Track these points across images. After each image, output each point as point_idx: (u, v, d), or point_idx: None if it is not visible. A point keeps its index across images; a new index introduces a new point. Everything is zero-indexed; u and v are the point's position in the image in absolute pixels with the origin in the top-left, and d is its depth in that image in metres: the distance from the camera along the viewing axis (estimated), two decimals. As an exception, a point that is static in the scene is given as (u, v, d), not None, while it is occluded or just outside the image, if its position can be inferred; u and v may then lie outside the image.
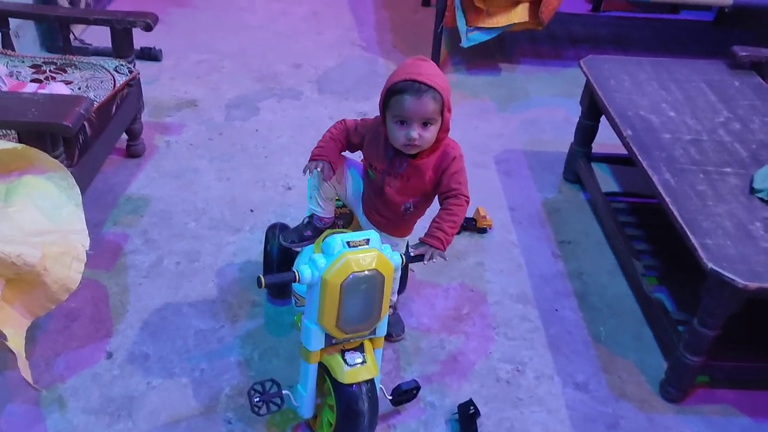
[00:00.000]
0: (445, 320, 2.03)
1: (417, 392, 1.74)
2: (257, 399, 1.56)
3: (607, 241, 2.40)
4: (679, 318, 1.94)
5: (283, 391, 1.58)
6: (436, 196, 1.69)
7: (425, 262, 1.57)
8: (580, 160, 2.63)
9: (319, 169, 1.64)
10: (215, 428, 1.65)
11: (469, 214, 2.40)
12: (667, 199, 1.83)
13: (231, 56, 3.45)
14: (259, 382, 1.58)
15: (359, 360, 1.51)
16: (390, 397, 1.70)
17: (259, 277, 1.39)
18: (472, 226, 2.39)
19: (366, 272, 1.40)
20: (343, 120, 1.72)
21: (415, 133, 1.52)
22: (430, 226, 1.61)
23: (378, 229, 1.73)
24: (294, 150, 2.73)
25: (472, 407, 1.73)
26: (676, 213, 1.78)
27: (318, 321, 1.44)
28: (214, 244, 2.22)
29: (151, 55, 3.28)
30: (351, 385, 1.48)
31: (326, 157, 1.66)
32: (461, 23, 3.20)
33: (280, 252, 1.87)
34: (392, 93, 1.51)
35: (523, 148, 2.91)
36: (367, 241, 1.44)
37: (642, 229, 2.32)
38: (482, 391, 1.82)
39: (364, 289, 1.41)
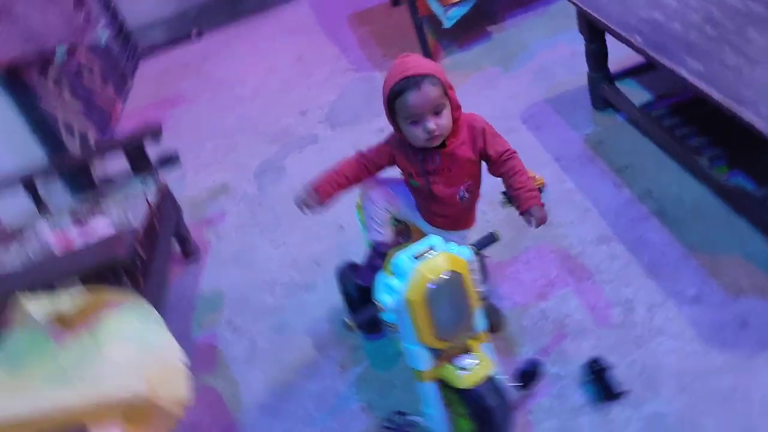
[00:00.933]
0: (537, 290, 2.00)
1: (540, 369, 1.71)
2: None
3: (662, 150, 2.32)
4: (766, 194, 1.86)
5: (413, 418, 1.58)
6: (486, 173, 1.71)
7: (538, 225, 1.59)
8: (602, 85, 2.56)
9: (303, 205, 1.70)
10: (365, 477, 1.67)
11: (518, 180, 2.37)
12: (703, 87, 1.76)
13: (239, 130, 3.52)
14: (386, 417, 1.58)
15: (472, 361, 1.49)
16: (516, 384, 1.68)
17: (345, 321, 1.40)
18: (526, 190, 2.35)
19: (442, 277, 1.39)
20: (358, 153, 1.73)
21: (431, 123, 1.51)
22: (514, 196, 1.63)
23: (444, 231, 1.73)
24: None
25: (598, 363, 1.69)
26: (717, 96, 1.71)
27: (417, 340, 1.44)
28: (295, 308, 2.26)
29: (169, 159, 3.37)
30: (473, 388, 1.46)
31: (314, 185, 1.69)
32: (436, 7, 3.19)
33: (358, 290, 1.88)
34: (393, 98, 1.52)
35: (543, 97, 2.86)
36: (432, 247, 1.43)
37: (691, 126, 2.24)
38: (601, 344, 1.78)
39: (447, 294, 1.40)
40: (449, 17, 3.20)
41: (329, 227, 2.57)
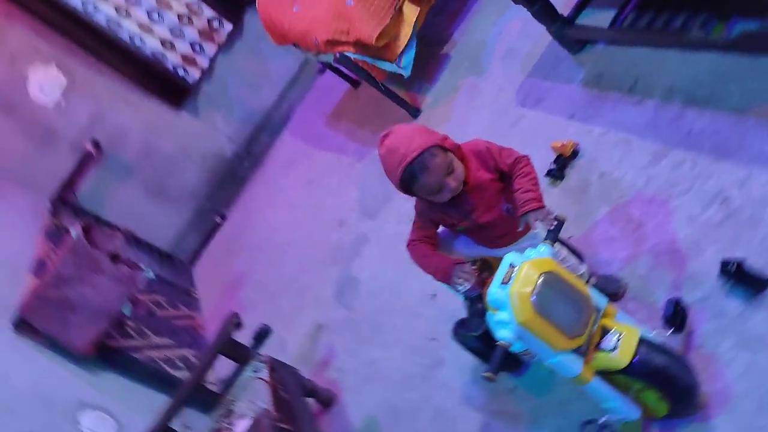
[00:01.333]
0: (632, 238, 1.96)
1: (683, 305, 1.66)
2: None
3: (655, 48, 2.30)
4: (768, 24, 1.81)
5: (603, 419, 1.54)
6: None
7: (540, 227, 1.56)
8: (566, 31, 2.58)
9: (467, 280, 1.67)
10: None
11: (550, 157, 2.37)
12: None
13: (300, 270, 3.62)
14: (579, 427, 1.55)
15: (615, 337, 1.46)
16: (670, 330, 1.62)
17: (484, 375, 1.40)
18: (563, 161, 2.34)
19: (538, 284, 1.39)
20: (413, 241, 1.78)
21: (451, 183, 1.57)
22: (514, 198, 1.63)
23: (513, 246, 1.74)
24: (404, 271, 2.78)
25: (731, 264, 1.63)
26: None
27: (555, 351, 1.42)
28: (439, 388, 2.26)
29: (261, 335, 3.49)
30: (633, 360, 1.43)
31: (448, 267, 1.69)
32: (387, 66, 3.29)
33: (478, 340, 1.88)
34: (407, 187, 1.58)
35: (524, 75, 2.88)
36: (512, 265, 1.44)
37: (664, 11, 2.21)
38: (722, 245, 1.72)
39: (552, 295, 1.40)
40: (404, 67, 3.30)
41: (423, 302, 2.59)
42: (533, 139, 2.58)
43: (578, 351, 1.46)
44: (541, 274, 1.40)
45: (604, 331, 1.49)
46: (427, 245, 1.76)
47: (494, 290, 1.43)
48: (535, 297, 1.38)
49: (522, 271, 1.41)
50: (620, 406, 1.52)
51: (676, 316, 1.64)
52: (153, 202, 4.87)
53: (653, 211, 1.95)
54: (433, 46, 3.75)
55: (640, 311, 1.79)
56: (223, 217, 4.98)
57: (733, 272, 1.62)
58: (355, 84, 4.33)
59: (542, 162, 2.42)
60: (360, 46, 3.20)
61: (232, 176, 5.02)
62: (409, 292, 2.69)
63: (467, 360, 2.19)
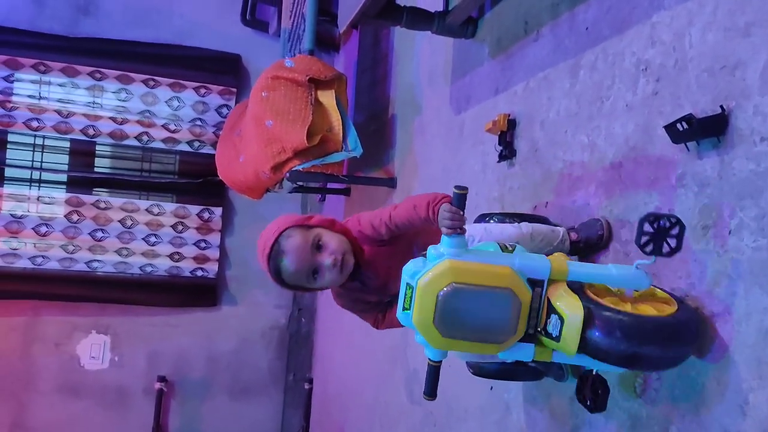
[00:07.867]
0: (591, 165, 1.65)
1: (663, 220, 1.24)
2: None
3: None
4: None
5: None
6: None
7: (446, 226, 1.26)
8: (446, 22, 2.41)
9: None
10: None
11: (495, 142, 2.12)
12: None
13: (375, 391, 3.37)
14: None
15: (557, 323, 1.14)
16: (651, 258, 1.21)
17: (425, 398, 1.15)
18: (506, 137, 2.09)
19: (439, 305, 1.13)
20: (376, 324, 1.63)
21: (325, 259, 1.39)
22: (426, 221, 1.38)
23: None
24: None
25: (679, 124, 1.31)
26: None
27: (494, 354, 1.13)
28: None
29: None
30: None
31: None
32: (338, 156, 3.18)
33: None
34: (282, 281, 1.42)
35: (449, 85, 2.70)
36: (409, 286, 1.19)
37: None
38: (666, 110, 1.40)
39: (461, 310, 1.13)
40: (353, 149, 3.17)
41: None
42: (480, 135, 2.35)
43: (525, 339, 1.16)
44: (439, 292, 1.12)
45: (550, 310, 1.16)
46: (385, 312, 1.56)
47: (400, 316, 1.18)
48: (437, 321, 1.12)
49: (418, 294, 1.14)
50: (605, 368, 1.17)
51: (659, 235, 1.23)
52: (242, 402, 4.80)
53: (597, 126, 1.65)
54: (381, 116, 3.66)
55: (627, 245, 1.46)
56: (310, 381, 4.83)
57: (686, 131, 1.30)
58: (346, 192, 4.25)
59: (495, 151, 2.19)
60: (300, 154, 3.12)
61: (297, 338, 4.92)
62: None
63: (520, 393, 1.86)
